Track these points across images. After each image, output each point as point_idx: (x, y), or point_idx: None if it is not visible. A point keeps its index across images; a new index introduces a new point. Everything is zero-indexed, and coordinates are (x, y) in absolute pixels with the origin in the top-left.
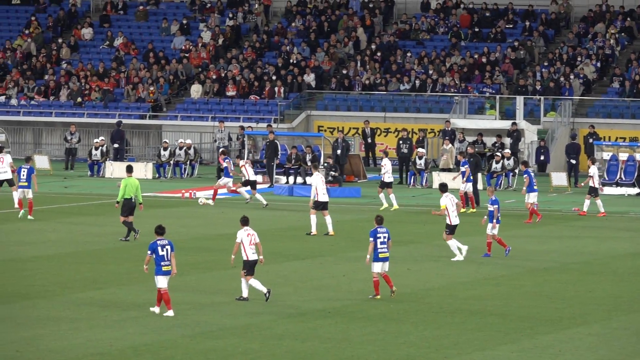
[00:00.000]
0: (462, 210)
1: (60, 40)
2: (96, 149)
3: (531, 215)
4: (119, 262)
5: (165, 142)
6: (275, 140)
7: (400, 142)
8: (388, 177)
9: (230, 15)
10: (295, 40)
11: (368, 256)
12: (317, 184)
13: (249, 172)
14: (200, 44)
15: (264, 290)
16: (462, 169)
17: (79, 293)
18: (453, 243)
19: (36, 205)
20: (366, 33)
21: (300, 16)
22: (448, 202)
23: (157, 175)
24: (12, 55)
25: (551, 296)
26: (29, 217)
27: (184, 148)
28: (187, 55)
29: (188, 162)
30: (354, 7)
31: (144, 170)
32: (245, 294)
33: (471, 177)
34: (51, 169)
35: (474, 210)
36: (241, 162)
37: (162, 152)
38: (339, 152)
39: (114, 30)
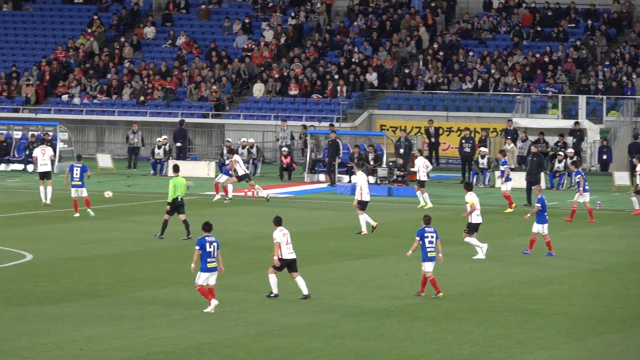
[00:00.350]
0: (510, 210)
1: (122, 39)
2: (159, 147)
3: (590, 214)
4: (181, 261)
5: (228, 141)
6: (337, 140)
7: (463, 141)
8: (423, 176)
9: (293, 14)
10: (357, 39)
11: (410, 251)
12: (362, 183)
13: (242, 167)
14: (262, 43)
15: (275, 291)
16: (502, 168)
17: (141, 292)
18: (472, 241)
19: (99, 204)
20: (428, 32)
21: (362, 15)
22: (475, 199)
23: (219, 174)
24: (75, 54)
25: (614, 295)
26: (90, 212)
27: (247, 147)
28: (249, 54)
29: (251, 161)
30: (416, 6)
31: (206, 169)
32: (275, 290)
33: (510, 177)
34: (114, 168)
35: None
36: (235, 157)
37: (225, 151)
38: (401, 151)
39: (176, 29)
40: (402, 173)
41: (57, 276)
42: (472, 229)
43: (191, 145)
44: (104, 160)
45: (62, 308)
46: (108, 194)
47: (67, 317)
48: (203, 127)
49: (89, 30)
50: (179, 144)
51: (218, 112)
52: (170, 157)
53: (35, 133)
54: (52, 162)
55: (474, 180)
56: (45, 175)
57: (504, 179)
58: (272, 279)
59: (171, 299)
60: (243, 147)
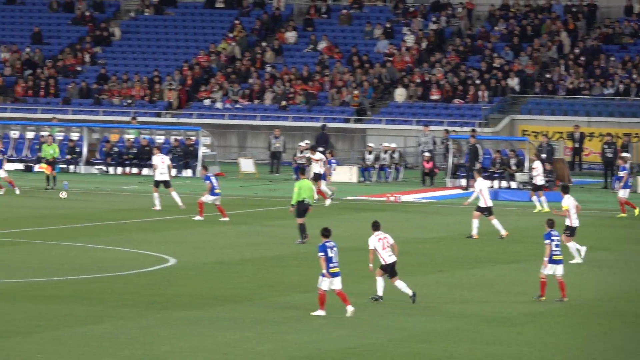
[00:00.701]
0: (623, 214)
1: (264, 44)
2: (301, 152)
3: None
4: None
5: (370, 145)
6: (476, 145)
7: (605, 146)
8: (540, 179)
9: (434, 19)
10: (498, 44)
11: (545, 258)
12: (483, 189)
13: (320, 166)
14: (403, 48)
15: (410, 292)
16: (621, 174)
17: (284, 296)
18: (572, 245)
19: (241, 209)
20: (569, 37)
21: (503, 20)
22: (570, 203)
23: (362, 179)
24: (217, 59)
25: None
26: (225, 219)
27: (389, 152)
28: (390, 58)
29: (393, 166)
30: (557, 11)
31: (348, 173)
32: (380, 292)
33: (629, 184)
34: (257, 173)
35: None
36: (315, 155)
37: (367, 156)
38: (543, 156)
39: (317, 34)
40: (547, 178)
41: (200, 280)
42: (572, 232)
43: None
44: (247, 165)
45: (205, 312)
46: (62, 194)
47: (210, 321)
48: (345, 132)
49: (231, 35)
50: (320, 149)
51: (360, 117)
52: (311, 162)
53: (178, 138)
54: (170, 170)
55: (616, 185)
56: (163, 184)
57: (621, 184)
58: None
59: (314, 303)
60: (385, 152)
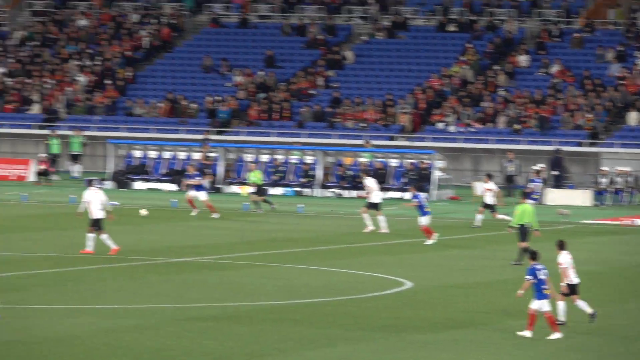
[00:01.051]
0: None
1: (496, 67)
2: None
3: None
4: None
5: (604, 169)
6: None
7: None
8: None
9: None
10: None
11: None
12: None
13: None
14: (636, 71)
15: (589, 311)
16: None
17: (516, 320)
18: None
19: (475, 232)
20: None
21: None
22: None
23: (596, 203)
24: (449, 82)
25: None
26: (434, 235)
27: (623, 175)
28: (623, 82)
29: (628, 190)
30: None
31: (582, 197)
32: (564, 318)
33: None
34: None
35: None
36: (488, 185)
37: (601, 180)
38: None
39: (550, 57)
40: None
41: (433, 304)
42: None
43: (568, 174)
44: (481, 189)
45: (439, 335)
46: (143, 212)
47: (444, 344)
48: (578, 155)
49: (463, 58)
50: (555, 173)
51: (593, 140)
52: (548, 186)
53: (412, 161)
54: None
55: None
56: (374, 206)
57: None
58: (562, 306)
59: (546, 326)
60: (619, 176)
